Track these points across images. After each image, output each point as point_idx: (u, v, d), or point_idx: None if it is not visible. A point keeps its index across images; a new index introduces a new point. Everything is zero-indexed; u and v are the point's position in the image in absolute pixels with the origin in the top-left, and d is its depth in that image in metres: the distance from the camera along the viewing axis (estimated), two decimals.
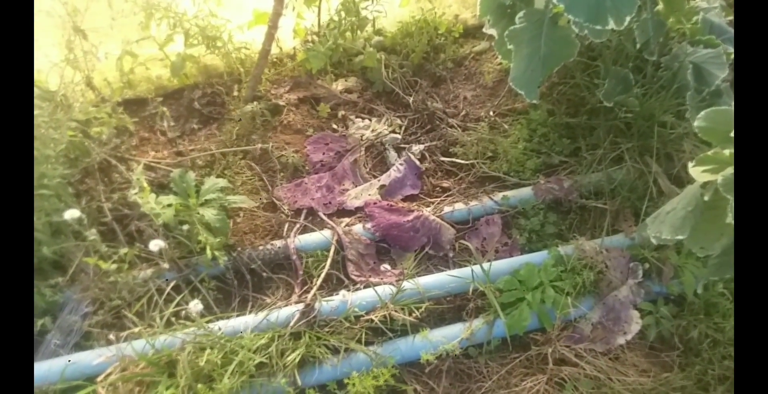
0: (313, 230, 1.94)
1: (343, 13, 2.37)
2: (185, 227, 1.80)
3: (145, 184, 1.74)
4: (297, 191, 2.07)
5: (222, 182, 1.89)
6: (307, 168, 2.18)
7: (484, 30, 2.36)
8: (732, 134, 1.25)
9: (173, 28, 2.18)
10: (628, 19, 1.59)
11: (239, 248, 1.86)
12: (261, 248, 1.86)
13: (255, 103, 2.27)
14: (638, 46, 2.02)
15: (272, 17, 2.10)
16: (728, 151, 1.31)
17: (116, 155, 2.08)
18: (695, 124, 1.39)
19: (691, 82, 1.86)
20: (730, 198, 1.23)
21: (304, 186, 2.09)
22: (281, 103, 2.38)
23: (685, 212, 1.43)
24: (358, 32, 2.42)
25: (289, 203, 2.03)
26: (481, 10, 2.01)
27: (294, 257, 1.84)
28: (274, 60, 2.55)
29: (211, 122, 2.32)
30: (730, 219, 1.23)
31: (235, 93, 2.41)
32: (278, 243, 1.88)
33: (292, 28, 2.44)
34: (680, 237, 1.40)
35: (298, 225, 1.96)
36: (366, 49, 2.44)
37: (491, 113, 2.39)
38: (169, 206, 1.77)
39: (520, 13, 1.77)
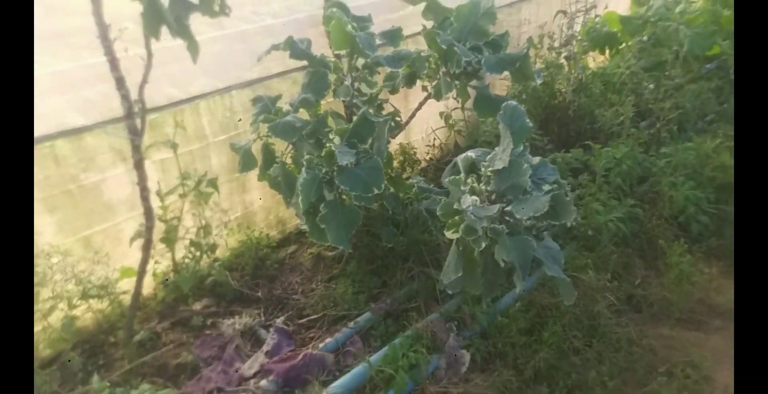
0: None
1: (201, 240, 3.14)
2: None
3: None
4: (197, 386, 2.52)
5: None
6: (201, 365, 2.67)
7: (299, 227, 3.38)
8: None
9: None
10: (383, 185, 2.64)
11: None
12: None
13: (136, 335, 2.77)
14: (391, 211, 3.27)
15: (141, 264, 2.78)
16: (459, 217, 2.38)
17: None
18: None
19: (428, 217, 3.11)
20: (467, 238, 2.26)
21: (206, 376, 2.56)
22: (158, 330, 2.91)
23: (454, 260, 2.44)
24: (210, 255, 3.19)
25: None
26: (304, 209, 2.96)
27: None
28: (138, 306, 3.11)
29: (103, 371, 2.67)
30: (476, 253, 2.26)
31: (112, 340, 2.86)
32: None
33: (151, 273, 3.11)
34: (460, 274, 2.36)
35: None
36: (212, 271, 3.22)
37: (320, 283, 3.29)
38: None
39: (322, 205, 2.81)
